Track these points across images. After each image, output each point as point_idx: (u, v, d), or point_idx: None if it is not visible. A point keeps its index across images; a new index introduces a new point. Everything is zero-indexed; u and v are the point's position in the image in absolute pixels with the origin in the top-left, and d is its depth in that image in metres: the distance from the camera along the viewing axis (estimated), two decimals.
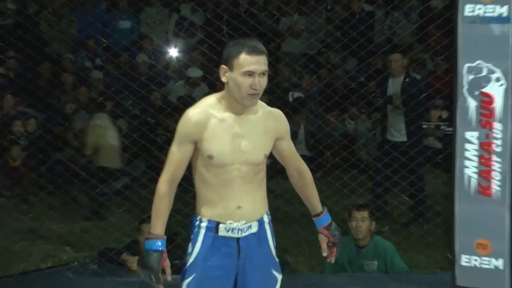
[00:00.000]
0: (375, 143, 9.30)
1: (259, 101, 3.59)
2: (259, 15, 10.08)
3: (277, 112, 3.69)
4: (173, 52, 10.52)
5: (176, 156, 3.53)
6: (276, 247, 3.56)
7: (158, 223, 3.55)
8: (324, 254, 3.78)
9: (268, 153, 3.66)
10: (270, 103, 9.91)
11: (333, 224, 3.79)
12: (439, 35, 8.58)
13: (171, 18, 10.91)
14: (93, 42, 10.43)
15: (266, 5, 10.51)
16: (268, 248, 3.66)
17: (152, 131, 8.84)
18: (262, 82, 3.48)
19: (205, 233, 3.55)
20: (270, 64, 10.70)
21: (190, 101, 9.36)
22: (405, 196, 7.23)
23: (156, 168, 8.17)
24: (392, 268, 6.03)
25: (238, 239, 3.55)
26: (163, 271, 3.50)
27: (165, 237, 3.57)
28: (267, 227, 3.66)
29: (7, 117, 9.00)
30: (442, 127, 9.72)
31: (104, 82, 9.80)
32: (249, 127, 3.56)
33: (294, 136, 8.62)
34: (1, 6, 10.17)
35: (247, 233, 3.56)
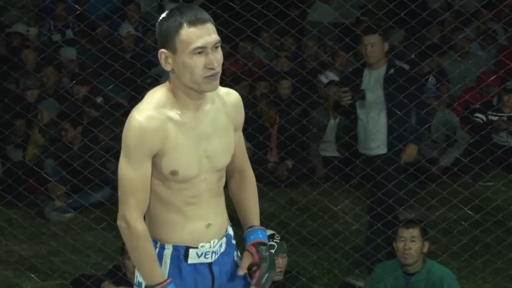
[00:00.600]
0: (429, 140, 9.36)
1: None
2: None
3: (234, 95, 3.68)
4: None
5: (139, 181, 3.44)
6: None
7: (155, 268, 3.47)
8: (240, 273, 3.67)
9: (233, 151, 3.66)
10: (294, 89, 10.00)
11: (265, 245, 3.71)
12: None
13: None
14: (64, 9, 10.52)
15: None
16: (238, 266, 3.67)
17: None
18: (218, 57, 3.44)
19: (171, 263, 3.54)
20: (293, 38, 10.81)
21: None
22: (467, 209, 7.28)
23: None
24: None
25: (210, 264, 3.57)
26: None
27: (171, 280, 3.49)
28: (233, 241, 3.70)
29: None
30: None
31: (78, 61, 9.86)
32: (211, 124, 3.55)
33: (322, 131, 8.79)
34: None
35: (218, 254, 3.59)
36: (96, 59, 9.08)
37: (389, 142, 7.10)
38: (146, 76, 9.36)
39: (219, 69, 3.44)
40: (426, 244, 6.16)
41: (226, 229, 3.64)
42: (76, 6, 10.43)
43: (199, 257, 3.53)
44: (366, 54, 7.19)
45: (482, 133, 8.63)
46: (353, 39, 7.48)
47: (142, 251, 3.45)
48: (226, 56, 10.16)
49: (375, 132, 7.16)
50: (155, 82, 9.68)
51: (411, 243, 6.07)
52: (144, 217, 3.53)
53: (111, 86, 9.00)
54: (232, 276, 3.62)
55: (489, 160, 7.92)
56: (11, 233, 7.84)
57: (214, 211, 3.56)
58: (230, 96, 3.65)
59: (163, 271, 3.50)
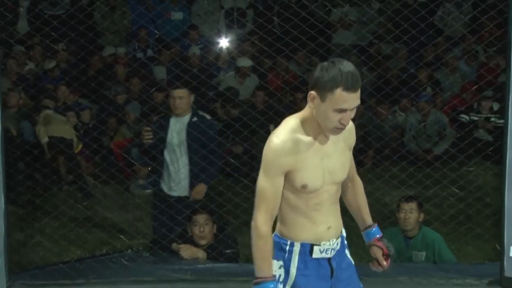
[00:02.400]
0: (425, 135, 9.34)
1: None
2: (310, 6, 10.08)
3: (350, 123, 3.42)
4: (224, 42, 10.60)
5: (271, 192, 3.31)
6: None
7: (266, 264, 3.33)
8: (376, 268, 3.62)
9: (349, 167, 3.53)
10: None
11: (383, 238, 3.64)
12: (492, 26, 8.56)
13: (222, 9, 11.01)
14: (146, 34, 10.53)
15: None
16: (350, 261, 3.58)
17: None
18: (351, 115, 3.26)
19: (299, 257, 3.42)
20: (321, 56, 10.72)
21: (238, 91, 9.49)
22: (454, 188, 7.25)
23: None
24: (440, 259, 6.06)
25: (329, 259, 3.46)
26: None
27: (275, 276, 3.38)
28: (345, 241, 3.59)
29: (62, 108, 9.14)
30: (493, 119, 9.70)
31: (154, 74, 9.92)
32: (333, 146, 3.40)
33: None
34: None
35: (336, 251, 3.48)
36: (170, 72, 9.16)
37: (191, 183, 6.48)
38: (208, 86, 9.40)
39: (347, 124, 3.26)
40: (422, 215, 6.15)
41: (341, 230, 3.55)
42: (156, 31, 10.46)
43: (321, 253, 3.41)
44: (174, 106, 6.47)
45: (465, 130, 8.61)
46: (368, 57, 7.33)
47: (260, 248, 3.32)
48: (269, 69, 10.24)
49: (175, 174, 6.53)
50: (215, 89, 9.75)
51: (410, 214, 6.06)
52: (277, 220, 3.46)
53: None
54: (344, 268, 3.53)
55: (471, 151, 7.89)
56: (105, 204, 7.94)
57: (333, 216, 3.46)
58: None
59: (292, 264, 3.42)
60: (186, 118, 6.52)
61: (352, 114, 3.24)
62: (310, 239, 3.40)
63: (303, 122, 3.32)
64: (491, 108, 9.80)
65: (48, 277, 5.58)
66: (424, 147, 9.33)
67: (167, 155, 6.52)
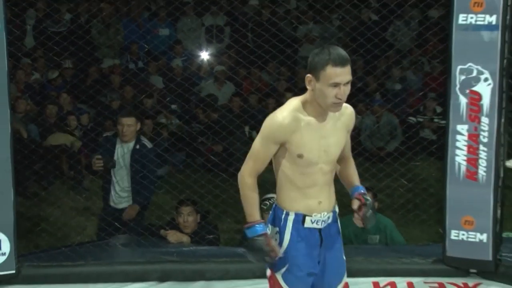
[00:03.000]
0: (378, 134, 9.36)
1: None
2: (279, 23, 10.11)
3: (350, 108, 3.49)
4: (205, 55, 10.61)
5: (262, 154, 3.33)
6: None
7: (254, 210, 3.37)
8: (354, 206, 3.54)
9: (343, 147, 3.52)
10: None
11: (368, 196, 3.59)
12: (435, 41, 8.60)
13: (203, 26, 11.00)
14: (137, 48, 10.51)
15: (286, 15, 10.57)
16: (339, 236, 3.56)
17: (187, 123, 8.95)
18: (346, 91, 3.24)
19: (293, 225, 3.40)
20: (289, 67, 10.71)
21: (217, 97, 9.49)
22: (404, 180, 7.27)
23: (191, 155, 8.35)
24: (391, 241, 6.05)
25: (320, 230, 3.43)
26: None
27: (263, 221, 3.41)
28: (337, 217, 3.55)
29: (63, 112, 9.12)
30: (436, 121, 9.76)
31: (145, 83, 9.90)
32: (331, 127, 3.39)
33: None
34: (57, 16, 10.29)
35: (326, 224, 3.45)
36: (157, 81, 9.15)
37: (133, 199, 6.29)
38: (190, 93, 9.38)
39: (344, 98, 3.26)
40: (376, 203, 6.15)
41: (334, 207, 3.51)
42: (145, 45, 10.45)
43: (312, 223, 3.39)
44: (122, 133, 6.21)
45: (413, 130, 8.65)
46: None
47: (247, 196, 3.36)
48: (243, 78, 10.22)
49: (120, 190, 6.33)
50: (196, 95, 9.72)
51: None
52: (276, 193, 3.47)
53: (168, 98, 9.03)
54: (334, 240, 3.51)
55: (418, 148, 7.92)
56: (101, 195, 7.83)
57: (325, 194, 3.42)
58: (347, 108, 3.47)
59: (286, 230, 3.40)
60: (131, 145, 6.28)
61: (346, 89, 3.24)
62: (303, 210, 3.39)
63: (304, 103, 3.32)
64: (434, 111, 9.85)
65: (52, 259, 5.55)
66: (377, 145, 9.35)
67: (114, 174, 6.32)
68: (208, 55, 10.59)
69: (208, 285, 5.32)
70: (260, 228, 3.35)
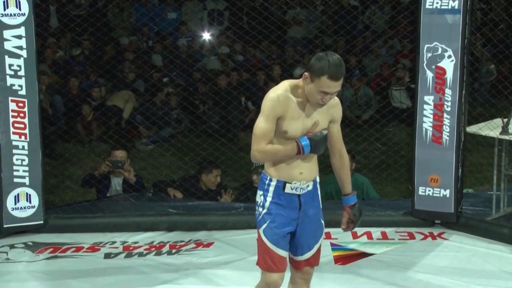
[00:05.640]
0: (356, 104, 9.31)
1: None
2: (271, 8, 10.05)
3: (336, 99, 3.35)
4: (206, 36, 10.55)
5: (269, 130, 3.22)
6: None
7: (287, 148, 3.24)
8: (342, 227, 3.50)
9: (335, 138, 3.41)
10: (281, 76, 9.83)
11: (356, 205, 3.48)
12: (406, 23, 8.54)
13: (205, 10, 10.92)
14: (148, 29, 10.41)
15: (276, 0, 10.47)
16: (318, 202, 3.45)
17: (191, 95, 8.88)
18: (332, 98, 3.20)
19: (274, 190, 3.34)
20: (279, 46, 10.55)
21: (220, 73, 9.42)
22: (378, 144, 7.25)
23: (193, 122, 8.32)
24: (367, 197, 6.06)
25: (299, 195, 3.35)
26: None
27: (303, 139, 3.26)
28: (318, 186, 3.45)
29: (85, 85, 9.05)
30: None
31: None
32: (315, 113, 3.28)
33: None
34: (78, 1, 10.19)
35: (306, 191, 3.37)
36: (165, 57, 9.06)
37: None
38: (194, 68, 9.31)
39: (327, 103, 3.19)
40: (354, 164, 6.12)
41: (315, 177, 3.41)
42: (155, 27, 10.34)
43: (292, 189, 3.33)
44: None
45: (386, 100, 8.60)
46: (314, 47, 7.31)
47: (275, 150, 3.25)
48: (240, 54, 10.11)
49: None
50: (199, 70, 9.65)
51: None
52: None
53: (174, 73, 8.97)
54: (312, 205, 3.41)
55: (391, 116, 7.90)
56: None
57: (305, 165, 3.31)
58: (334, 100, 3.31)
59: (269, 194, 3.35)
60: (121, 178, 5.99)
61: (332, 97, 3.19)
62: (284, 178, 3.32)
63: (295, 87, 3.24)
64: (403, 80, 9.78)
65: (75, 212, 5.57)
66: (355, 113, 9.30)
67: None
68: (210, 35, 10.51)
69: (209, 234, 5.32)
70: (303, 139, 3.24)
